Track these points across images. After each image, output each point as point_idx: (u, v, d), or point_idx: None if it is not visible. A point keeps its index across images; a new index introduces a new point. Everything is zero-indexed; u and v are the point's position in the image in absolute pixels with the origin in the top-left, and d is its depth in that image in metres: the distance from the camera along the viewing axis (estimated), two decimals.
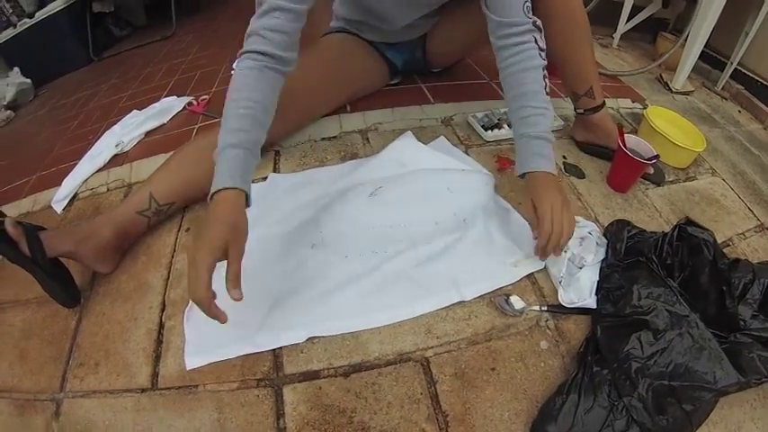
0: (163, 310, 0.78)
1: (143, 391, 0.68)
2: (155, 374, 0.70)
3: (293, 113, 1.01)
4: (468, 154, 1.07)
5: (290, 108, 0.95)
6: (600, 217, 0.95)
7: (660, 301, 0.68)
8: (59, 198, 1.10)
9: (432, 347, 0.71)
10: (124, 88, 1.73)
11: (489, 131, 1.12)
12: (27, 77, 2.16)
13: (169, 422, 0.64)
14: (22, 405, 0.72)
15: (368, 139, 1.13)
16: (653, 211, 0.99)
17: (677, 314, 0.67)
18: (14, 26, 2.15)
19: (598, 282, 0.77)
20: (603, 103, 1.05)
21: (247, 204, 0.66)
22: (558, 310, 0.77)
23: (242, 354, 0.70)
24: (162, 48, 2.17)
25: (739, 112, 1.55)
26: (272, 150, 1.08)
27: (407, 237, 0.79)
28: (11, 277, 0.88)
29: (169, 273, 0.85)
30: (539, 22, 0.82)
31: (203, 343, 0.70)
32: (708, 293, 0.73)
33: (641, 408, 0.63)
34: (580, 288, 0.76)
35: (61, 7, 2.15)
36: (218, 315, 0.58)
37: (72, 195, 1.11)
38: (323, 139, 1.12)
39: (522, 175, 0.82)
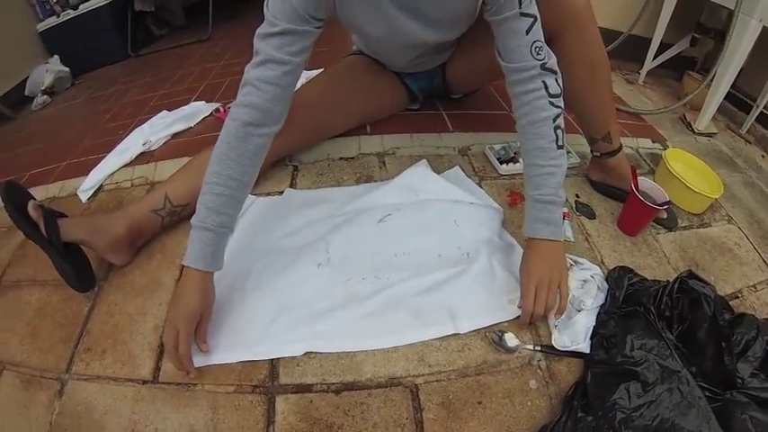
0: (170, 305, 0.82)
1: (144, 382, 0.72)
2: (157, 368, 0.74)
3: (308, 126, 1.04)
4: (481, 186, 1.09)
5: (304, 121, 1.00)
6: (606, 260, 0.95)
7: (653, 353, 0.69)
8: (85, 188, 1.16)
9: (422, 375, 0.73)
10: (157, 87, 1.80)
11: (504, 165, 1.13)
12: (66, 66, 2.26)
13: (165, 415, 0.68)
14: (29, 380, 0.77)
15: (384, 162, 1.15)
16: (661, 257, 0.99)
17: (669, 368, 0.67)
18: (57, 15, 2.25)
19: (594, 327, 0.77)
20: (620, 147, 1.05)
21: (218, 268, 0.74)
22: (551, 351, 0.77)
23: (241, 360, 0.74)
24: (197, 50, 2.25)
25: (763, 156, 1.52)
26: (291, 165, 1.12)
27: (411, 266, 0.82)
28: (33, 257, 0.95)
29: (180, 273, 0.89)
30: (549, 63, 0.77)
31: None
32: (705, 348, 0.73)
33: None
34: (575, 332, 0.77)
35: (104, 2, 2.26)
36: (189, 369, 0.70)
37: (97, 187, 1.17)
38: (341, 158, 1.15)
39: None
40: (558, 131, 0.78)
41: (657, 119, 1.54)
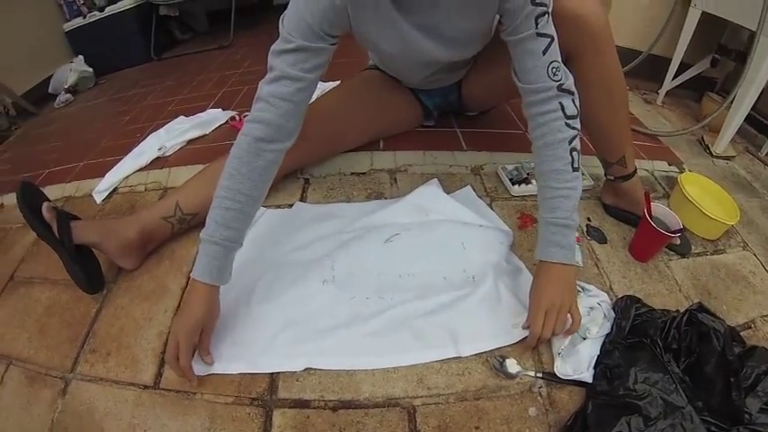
0: (176, 316, 0.83)
1: (145, 387, 0.73)
2: (159, 374, 0.75)
3: (321, 139, 1.04)
4: (492, 207, 1.07)
5: (318, 133, 1.00)
6: (615, 286, 0.93)
7: (657, 387, 0.67)
8: (100, 189, 1.20)
9: (420, 397, 0.72)
10: (176, 92, 1.84)
11: (517, 186, 1.12)
12: (90, 66, 2.32)
13: (164, 421, 0.68)
14: (33, 377, 0.79)
15: (396, 179, 1.14)
16: (672, 285, 0.96)
17: (672, 404, 0.66)
18: (84, 17, 2.32)
19: (598, 356, 0.76)
20: (635, 171, 1.03)
21: (225, 282, 0.75)
22: (553, 378, 0.76)
23: (242, 372, 0.74)
24: (218, 57, 2.29)
25: None
26: (302, 178, 1.13)
27: (415, 287, 0.81)
28: (46, 255, 0.96)
29: (187, 281, 0.90)
30: (567, 84, 0.75)
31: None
32: (713, 383, 0.70)
33: None
34: (578, 360, 0.75)
35: (130, 6, 2.32)
36: (191, 377, 0.72)
37: (112, 189, 1.20)
38: (352, 173, 1.15)
39: None
40: (575, 153, 0.77)
41: (675, 141, 1.51)
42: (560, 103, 0.75)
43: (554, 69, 0.74)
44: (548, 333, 0.74)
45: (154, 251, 0.96)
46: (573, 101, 0.76)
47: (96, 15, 2.31)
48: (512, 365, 0.76)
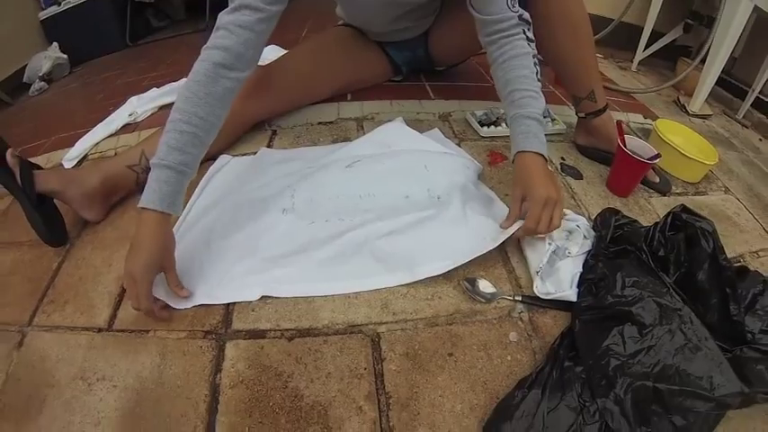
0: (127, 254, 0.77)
1: (99, 330, 0.68)
2: (113, 316, 0.70)
3: (289, 91, 1.04)
4: (460, 146, 1.03)
5: (285, 85, 1.02)
6: (593, 217, 0.87)
7: (647, 290, 0.60)
8: (70, 157, 1.14)
9: (385, 323, 0.64)
10: (151, 70, 1.81)
11: (486, 128, 1.08)
12: (64, 54, 2.25)
13: (114, 362, 0.63)
14: None
15: (362, 126, 1.11)
16: (654, 218, 0.90)
17: (668, 306, 0.58)
18: (59, 4, 2.26)
19: (581, 273, 0.68)
20: (606, 106, 1.00)
21: (177, 212, 0.68)
22: (534, 301, 0.69)
23: (197, 304, 0.68)
24: (193, 39, 2.27)
25: (760, 140, 1.46)
26: (270, 129, 1.10)
27: (376, 208, 0.74)
28: (13, 221, 0.93)
29: None
30: (525, 15, 0.79)
31: (164, 293, 0.69)
32: (708, 295, 0.63)
33: (618, 412, 0.54)
34: (559, 279, 0.68)
35: None
36: (162, 317, 0.66)
37: (82, 156, 1.15)
38: (319, 123, 1.13)
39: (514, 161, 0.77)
40: (538, 67, 0.79)
41: (651, 100, 1.49)
42: (523, 29, 0.79)
43: (512, 1, 0.78)
44: (544, 228, 0.69)
45: (118, 204, 0.91)
46: (530, 28, 0.81)
47: (71, 2, 2.25)
48: (486, 286, 0.68)
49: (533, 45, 0.80)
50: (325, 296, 0.68)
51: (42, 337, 0.69)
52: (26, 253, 0.85)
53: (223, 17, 0.72)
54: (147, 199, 0.65)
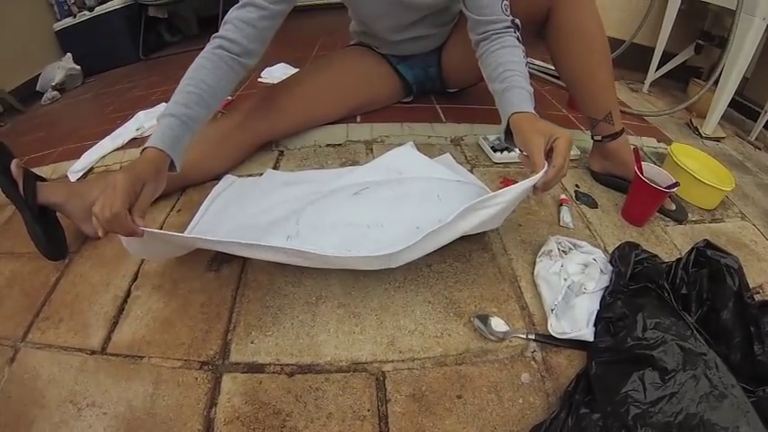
0: (134, 280, 0.78)
1: (92, 352, 0.67)
2: (108, 339, 0.69)
3: (295, 111, 1.04)
4: (472, 173, 1.00)
5: (292, 106, 1.03)
6: (609, 248, 0.84)
7: (670, 333, 0.56)
8: (76, 169, 1.15)
9: (391, 361, 0.62)
10: (161, 84, 1.81)
11: (498, 153, 1.06)
12: (78, 65, 2.30)
13: (105, 387, 0.61)
14: None
15: (372, 149, 1.09)
16: (671, 249, 0.87)
17: (692, 351, 0.55)
18: (74, 16, 2.31)
19: (598, 312, 0.65)
20: (623, 130, 0.97)
21: (173, 169, 0.70)
22: (548, 340, 0.65)
23: (194, 237, 0.66)
24: None
25: None
26: (277, 151, 1.09)
27: (384, 238, 0.71)
28: (14, 231, 0.93)
29: None
30: (517, 21, 0.81)
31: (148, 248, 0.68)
32: (731, 334, 0.60)
33: None
34: (575, 317, 0.65)
35: (119, 6, 2.31)
36: (135, 231, 0.61)
37: (88, 169, 1.16)
38: (328, 145, 1.12)
39: (507, 129, 0.75)
40: (526, 61, 0.80)
41: (663, 123, 1.47)
42: (515, 32, 0.81)
43: (505, 6, 0.80)
44: (561, 161, 0.64)
45: None
46: (521, 35, 0.82)
47: (86, 15, 2.30)
48: (498, 324, 0.65)
49: (523, 48, 0.80)
50: (329, 330, 0.65)
51: (35, 355, 0.68)
52: (25, 264, 0.85)
53: (231, 12, 0.79)
54: (150, 141, 0.67)
